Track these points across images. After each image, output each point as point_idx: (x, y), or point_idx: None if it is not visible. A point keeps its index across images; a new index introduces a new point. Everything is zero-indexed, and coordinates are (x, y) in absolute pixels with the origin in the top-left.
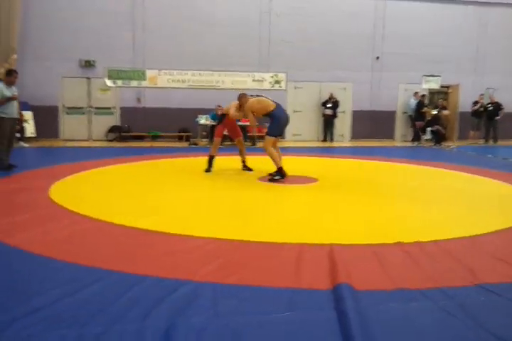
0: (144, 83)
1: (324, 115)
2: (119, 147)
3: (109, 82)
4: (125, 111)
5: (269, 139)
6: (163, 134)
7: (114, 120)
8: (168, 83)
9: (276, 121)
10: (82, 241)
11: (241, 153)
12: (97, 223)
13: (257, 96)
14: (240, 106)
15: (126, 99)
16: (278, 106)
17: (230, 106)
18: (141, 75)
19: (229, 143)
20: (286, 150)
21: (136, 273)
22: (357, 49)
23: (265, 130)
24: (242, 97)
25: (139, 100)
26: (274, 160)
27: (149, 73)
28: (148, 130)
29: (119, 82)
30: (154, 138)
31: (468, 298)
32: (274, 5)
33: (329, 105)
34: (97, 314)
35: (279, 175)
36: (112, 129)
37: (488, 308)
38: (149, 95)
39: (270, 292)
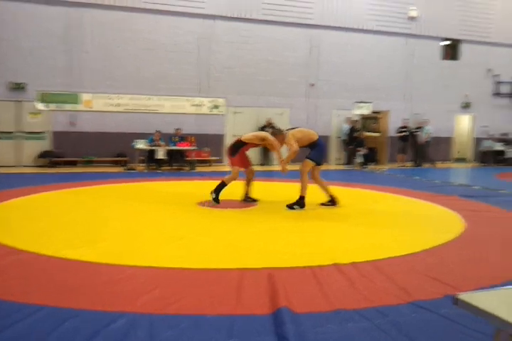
0: (79, 107)
1: None
2: (50, 173)
3: (40, 106)
4: (58, 136)
5: (310, 163)
6: (98, 159)
7: (46, 145)
8: (105, 107)
9: (320, 149)
10: (10, 274)
11: (248, 183)
12: (26, 254)
13: (293, 128)
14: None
15: (59, 123)
16: (319, 136)
17: (262, 135)
18: (75, 99)
19: (167, 167)
20: (226, 175)
21: (69, 307)
22: (293, 76)
23: (204, 154)
24: (279, 133)
25: (73, 124)
26: (303, 187)
27: (84, 96)
28: (83, 155)
29: (52, 106)
30: (88, 163)
31: (401, 315)
32: (213, 32)
33: (268, 130)
34: None
35: (298, 205)
36: (43, 154)
37: (420, 324)
38: (84, 119)
39: (210, 320)
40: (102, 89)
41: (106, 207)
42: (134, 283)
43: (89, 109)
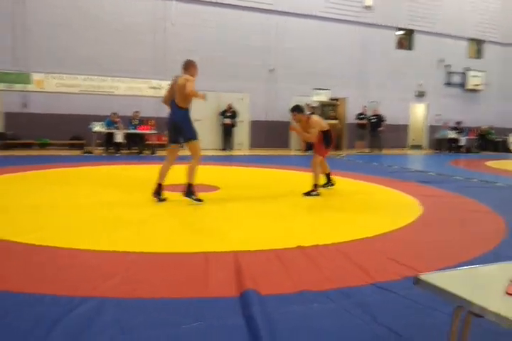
0: (30, 87)
1: (223, 124)
2: (2, 156)
3: None
4: (9, 117)
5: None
6: (53, 142)
7: None
8: (57, 87)
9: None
10: None
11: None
12: None
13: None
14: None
15: (9, 103)
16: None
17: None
18: (26, 79)
19: (126, 151)
20: (187, 159)
21: (31, 293)
22: (254, 61)
23: (164, 138)
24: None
25: (24, 105)
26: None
27: (35, 76)
28: (36, 137)
29: (1, 85)
30: (43, 146)
31: (364, 296)
32: (169, 12)
33: (228, 114)
34: None
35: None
36: None
37: (383, 305)
38: (36, 100)
39: (177, 303)
40: (53, 69)
41: (65, 191)
42: (98, 267)
43: (41, 90)
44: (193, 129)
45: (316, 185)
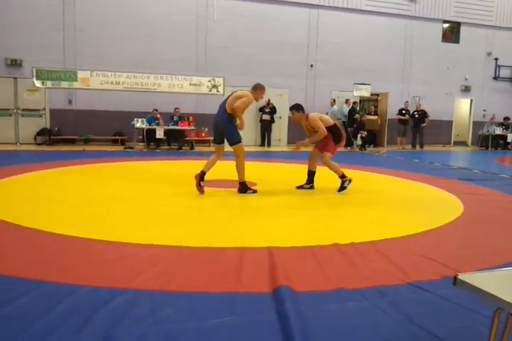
0: (76, 84)
1: (262, 120)
2: (48, 151)
3: (37, 83)
4: (55, 114)
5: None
6: (96, 138)
7: (44, 122)
8: (101, 85)
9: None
10: (10, 250)
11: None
12: (25, 231)
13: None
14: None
15: (56, 100)
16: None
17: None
18: (72, 76)
19: (166, 147)
20: (225, 155)
21: (69, 283)
22: (292, 56)
23: (203, 134)
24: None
25: (70, 102)
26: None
27: (81, 74)
28: (80, 133)
29: (49, 83)
30: (87, 141)
31: (400, 295)
32: (211, 10)
33: (267, 110)
34: (25, 329)
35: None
36: (41, 132)
37: (419, 305)
38: (81, 97)
39: (210, 297)
40: (97, 66)
41: (104, 186)
42: (133, 261)
43: (86, 87)
44: (235, 133)
45: (342, 176)
